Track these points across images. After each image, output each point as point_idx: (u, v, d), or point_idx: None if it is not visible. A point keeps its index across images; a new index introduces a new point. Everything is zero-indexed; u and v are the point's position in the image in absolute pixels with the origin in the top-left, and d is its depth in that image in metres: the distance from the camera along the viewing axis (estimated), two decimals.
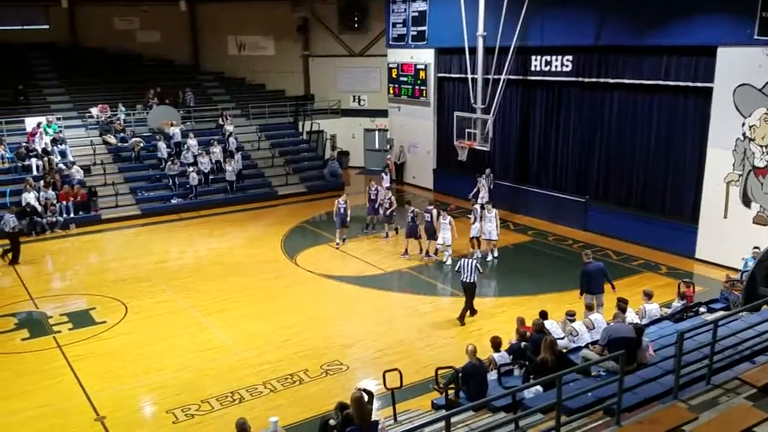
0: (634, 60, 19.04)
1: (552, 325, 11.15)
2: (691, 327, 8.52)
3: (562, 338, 10.98)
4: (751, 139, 16.38)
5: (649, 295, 12.37)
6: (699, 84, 17.51)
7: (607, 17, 19.31)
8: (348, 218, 19.61)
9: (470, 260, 14.42)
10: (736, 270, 14.99)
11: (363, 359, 12.70)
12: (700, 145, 17.78)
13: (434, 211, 18.19)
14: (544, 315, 11.22)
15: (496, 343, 10.53)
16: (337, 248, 19.41)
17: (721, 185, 17.10)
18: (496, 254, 18.56)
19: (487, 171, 22.26)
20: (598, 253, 17.42)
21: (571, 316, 11.60)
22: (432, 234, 18.20)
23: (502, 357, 10.42)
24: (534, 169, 23.07)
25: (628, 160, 19.88)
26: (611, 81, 19.78)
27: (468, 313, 14.23)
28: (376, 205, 20.37)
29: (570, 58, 20.77)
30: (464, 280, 14.30)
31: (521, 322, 11.34)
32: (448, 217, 17.82)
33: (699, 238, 17.78)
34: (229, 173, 24.75)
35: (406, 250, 18.59)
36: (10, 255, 18.60)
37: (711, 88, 17.09)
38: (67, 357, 12.83)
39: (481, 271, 14.63)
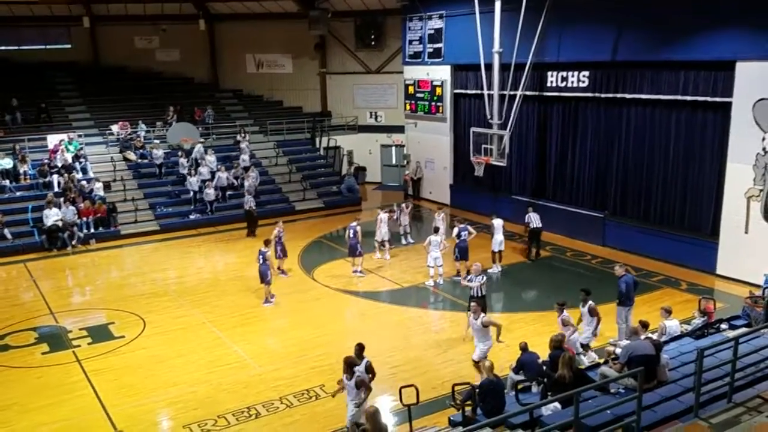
0: (651, 75, 18.97)
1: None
2: (711, 344, 8.41)
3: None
4: None
5: (669, 312, 12.22)
6: (718, 99, 17.39)
7: (624, 32, 19.28)
8: (359, 246, 18.44)
9: (534, 213, 18.71)
10: (757, 286, 14.77)
11: (379, 375, 12.52)
12: (720, 160, 17.64)
13: (358, 228, 18.45)
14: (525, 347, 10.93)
15: None
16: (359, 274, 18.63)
17: (741, 200, 16.92)
18: (499, 268, 18.70)
19: (439, 212, 20.60)
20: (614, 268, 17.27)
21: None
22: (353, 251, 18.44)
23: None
24: (551, 184, 22.99)
25: (647, 175, 19.75)
26: (628, 96, 19.71)
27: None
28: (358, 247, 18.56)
29: (587, 73, 20.75)
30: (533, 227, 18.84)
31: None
32: (438, 237, 17.55)
33: (720, 254, 17.58)
34: (247, 188, 24.86)
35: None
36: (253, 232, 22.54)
37: (730, 103, 16.97)
38: (86, 371, 12.93)
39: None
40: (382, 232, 19.73)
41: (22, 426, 11.02)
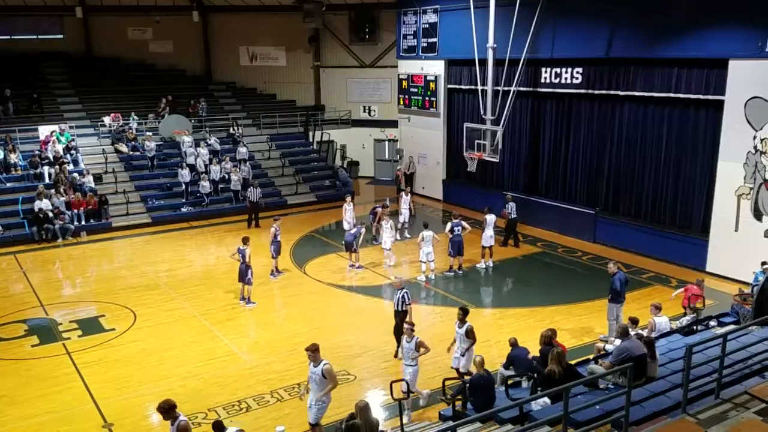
0: (644, 72, 19.02)
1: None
2: (700, 340, 8.48)
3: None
4: (762, 152, 16.30)
5: (658, 308, 12.29)
6: (710, 96, 17.48)
7: (618, 29, 19.31)
8: (356, 241, 18.42)
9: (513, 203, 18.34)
10: (746, 284, 14.89)
11: (370, 369, 12.67)
12: (711, 158, 17.74)
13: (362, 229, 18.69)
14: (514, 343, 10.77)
15: None
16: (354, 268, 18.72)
17: (732, 198, 17.02)
18: (490, 263, 18.70)
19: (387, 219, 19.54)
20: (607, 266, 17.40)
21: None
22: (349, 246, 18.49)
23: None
24: (543, 181, 23.05)
25: (639, 173, 19.83)
26: (621, 93, 19.77)
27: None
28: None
29: (580, 70, 20.78)
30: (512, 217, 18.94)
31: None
32: (431, 232, 17.42)
33: (710, 252, 17.68)
34: (234, 183, 24.79)
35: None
36: (254, 223, 22.95)
37: (722, 101, 17.05)
38: (76, 364, 12.90)
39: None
40: (347, 219, 20.28)
41: (11, 418, 10.99)
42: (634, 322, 11.27)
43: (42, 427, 10.75)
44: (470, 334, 11.34)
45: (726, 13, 16.62)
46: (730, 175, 16.98)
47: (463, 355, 11.35)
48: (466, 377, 10.43)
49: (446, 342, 13.65)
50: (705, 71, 17.50)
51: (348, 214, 20.45)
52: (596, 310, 15.01)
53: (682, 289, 14.01)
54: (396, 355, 12.88)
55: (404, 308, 13.01)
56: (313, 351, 9.56)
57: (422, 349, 10.75)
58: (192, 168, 25.31)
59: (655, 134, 19.24)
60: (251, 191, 23.20)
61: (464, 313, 11.52)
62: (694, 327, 12.09)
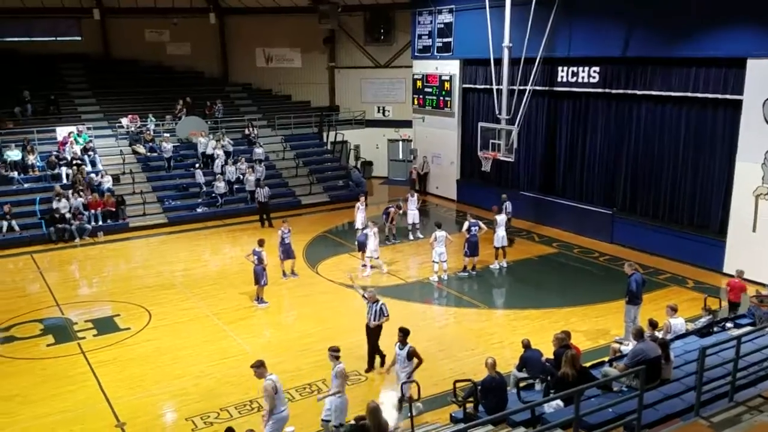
0: (662, 71, 18.81)
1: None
2: (714, 342, 8.35)
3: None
4: None
5: (674, 310, 12.13)
6: (728, 96, 17.25)
7: (635, 28, 19.11)
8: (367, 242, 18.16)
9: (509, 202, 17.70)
10: (764, 285, 14.62)
11: (381, 370, 12.62)
12: (729, 158, 17.49)
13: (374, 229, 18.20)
14: (527, 344, 10.63)
15: None
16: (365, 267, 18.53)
17: (750, 199, 16.77)
18: (504, 263, 18.58)
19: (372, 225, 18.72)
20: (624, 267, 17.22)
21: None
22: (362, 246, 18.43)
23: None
24: (560, 181, 22.87)
25: (656, 173, 19.62)
26: (639, 92, 19.57)
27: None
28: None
29: (597, 69, 20.59)
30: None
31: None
32: (443, 232, 17.21)
33: (727, 252, 17.44)
34: (249, 183, 24.88)
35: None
36: (267, 223, 23.10)
37: (740, 101, 16.82)
38: (90, 363, 13.00)
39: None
40: (359, 219, 20.36)
41: (24, 417, 11.09)
42: (653, 325, 11.08)
43: (55, 426, 10.84)
44: (413, 356, 10.80)
45: (744, 12, 16.38)
46: (748, 176, 16.73)
47: (409, 378, 10.73)
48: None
49: (459, 343, 13.68)
50: (723, 70, 17.27)
51: (360, 213, 20.45)
52: (612, 312, 14.87)
53: (728, 288, 13.84)
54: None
55: (379, 321, 12.39)
56: (257, 367, 9.20)
57: (342, 381, 9.94)
58: (206, 164, 25.50)
59: (672, 134, 19.02)
60: (258, 191, 23.43)
61: (404, 334, 10.94)
62: (711, 329, 11.92)
